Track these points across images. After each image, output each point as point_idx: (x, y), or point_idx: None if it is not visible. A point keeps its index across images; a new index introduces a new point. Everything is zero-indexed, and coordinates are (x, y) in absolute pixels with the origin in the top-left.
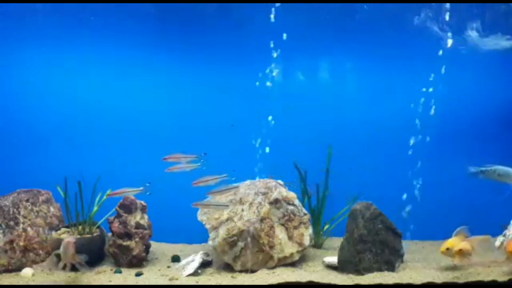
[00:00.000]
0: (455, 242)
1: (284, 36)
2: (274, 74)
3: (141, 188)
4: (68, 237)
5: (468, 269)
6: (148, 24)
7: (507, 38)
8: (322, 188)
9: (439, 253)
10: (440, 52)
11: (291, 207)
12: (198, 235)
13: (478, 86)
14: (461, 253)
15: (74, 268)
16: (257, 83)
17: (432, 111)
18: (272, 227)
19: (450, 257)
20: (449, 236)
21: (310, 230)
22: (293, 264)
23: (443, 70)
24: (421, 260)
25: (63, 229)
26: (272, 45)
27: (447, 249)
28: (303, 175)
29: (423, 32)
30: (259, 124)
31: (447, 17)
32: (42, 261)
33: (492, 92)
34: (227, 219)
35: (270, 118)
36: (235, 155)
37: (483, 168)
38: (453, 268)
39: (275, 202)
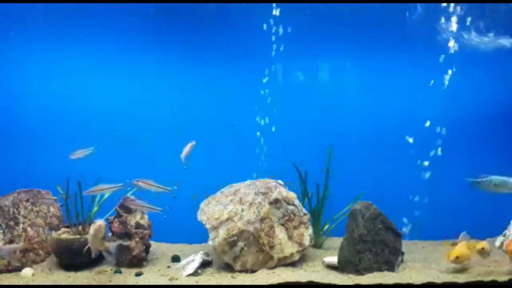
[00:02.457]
0: (462, 249)
1: (283, 33)
2: (274, 73)
3: (55, 198)
4: (99, 220)
5: (468, 269)
6: (147, 23)
7: (508, 38)
8: (322, 188)
9: (439, 253)
10: (442, 54)
11: (291, 207)
12: (198, 235)
13: (480, 86)
14: (483, 252)
15: (74, 268)
16: (258, 82)
17: (435, 111)
18: (272, 227)
19: (458, 264)
20: (449, 237)
21: (310, 230)
22: (293, 264)
23: (444, 71)
24: (421, 260)
25: (63, 229)
26: (272, 45)
27: (457, 257)
28: (302, 175)
29: (424, 32)
30: (259, 124)
31: (448, 17)
32: (42, 261)
33: (494, 92)
34: (227, 219)
35: (270, 118)
36: (235, 155)
37: (478, 179)
38: (453, 268)
39: (275, 202)
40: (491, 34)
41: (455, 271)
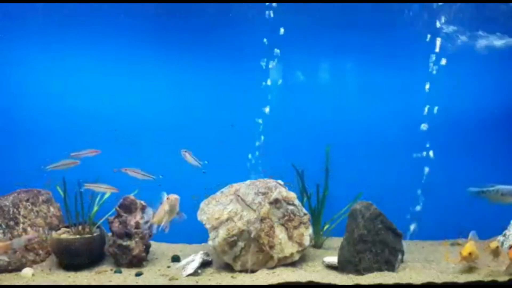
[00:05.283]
0: (472, 246)
1: (283, 33)
2: (274, 73)
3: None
4: (172, 195)
5: (468, 269)
6: (147, 22)
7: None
8: (322, 188)
9: (439, 253)
10: (442, 54)
11: (291, 207)
12: (198, 235)
13: (480, 86)
14: (497, 251)
15: (74, 268)
16: (258, 82)
17: (434, 111)
18: (272, 227)
19: (468, 262)
20: (449, 237)
21: (310, 230)
22: (293, 264)
23: (444, 70)
24: (421, 260)
25: (63, 229)
26: (271, 44)
27: (470, 253)
28: (301, 175)
29: (424, 32)
30: (259, 124)
31: (448, 17)
32: (42, 261)
33: (495, 93)
34: (227, 219)
35: (270, 118)
36: (235, 155)
37: (484, 189)
38: (453, 268)
39: (275, 202)
40: (491, 35)
41: (454, 271)
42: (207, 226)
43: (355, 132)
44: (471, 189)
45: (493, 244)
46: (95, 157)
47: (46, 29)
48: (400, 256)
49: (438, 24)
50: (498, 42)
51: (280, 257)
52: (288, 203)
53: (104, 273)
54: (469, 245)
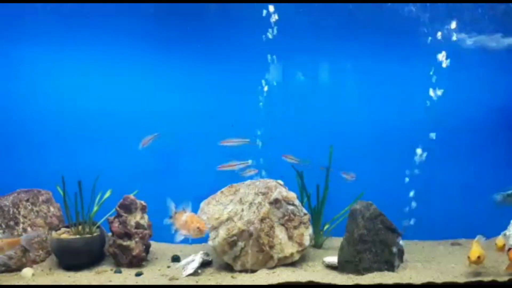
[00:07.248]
0: (480, 249)
1: (283, 33)
2: (274, 73)
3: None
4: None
5: (467, 269)
6: (147, 23)
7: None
8: (322, 188)
9: (439, 253)
10: (442, 55)
11: (291, 207)
12: None
13: (481, 86)
14: (503, 248)
15: (74, 268)
16: (261, 83)
17: (435, 111)
18: (272, 227)
19: (477, 265)
20: (449, 236)
21: (310, 230)
22: (293, 264)
23: (444, 71)
24: (421, 260)
25: (63, 229)
26: (272, 44)
27: (478, 257)
28: (301, 175)
29: (424, 32)
30: (259, 124)
31: (448, 17)
32: (42, 261)
33: (495, 93)
34: (227, 219)
35: (270, 118)
36: (235, 155)
37: (509, 192)
38: (453, 268)
39: (275, 202)
40: (493, 34)
41: (454, 271)
42: (207, 226)
43: (356, 132)
44: (496, 195)
45: (500, 242)
46: (95, 157)
47: (46, 29)
48: (400, 256)
49: (440, 25)
50: (501, 41)
51: (280, 257)
52: (288, 203)
53: (104, 273)
54: (476, 248)
